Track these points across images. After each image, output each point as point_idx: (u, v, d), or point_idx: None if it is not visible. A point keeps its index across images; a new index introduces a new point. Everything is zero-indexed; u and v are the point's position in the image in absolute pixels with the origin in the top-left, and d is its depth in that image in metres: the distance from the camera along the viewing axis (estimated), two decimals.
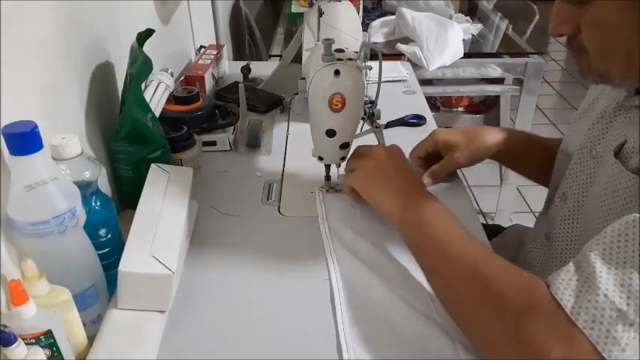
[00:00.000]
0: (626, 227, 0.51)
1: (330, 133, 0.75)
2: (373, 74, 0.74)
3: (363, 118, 0.80)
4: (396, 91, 1.23)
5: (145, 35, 0.80)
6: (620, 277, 0.48)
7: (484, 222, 1.76)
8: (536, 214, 2.10)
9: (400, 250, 0.71)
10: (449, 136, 0.86)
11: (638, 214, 0.51)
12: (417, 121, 1.08)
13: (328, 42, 0.70)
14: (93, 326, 0.60)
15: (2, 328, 0.46)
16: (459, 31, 1.63)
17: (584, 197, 0.71)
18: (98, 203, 0.65)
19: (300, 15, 1.84)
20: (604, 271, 0.49)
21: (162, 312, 0.62)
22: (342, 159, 0.80)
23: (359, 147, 0.80)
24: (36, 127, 0.51)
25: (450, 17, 1.73)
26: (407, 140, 0.95)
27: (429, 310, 0.63)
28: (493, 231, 0.98)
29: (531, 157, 0.88)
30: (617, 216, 0.62)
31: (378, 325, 0.61)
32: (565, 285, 0.50)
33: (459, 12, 1.87)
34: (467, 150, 0.85)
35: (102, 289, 0.62)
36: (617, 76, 0.61)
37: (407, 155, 0.88)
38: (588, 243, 0.53)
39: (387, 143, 0.83)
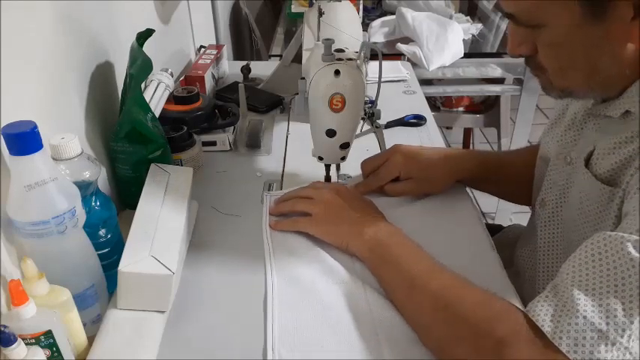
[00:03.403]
0: (598, 246, 0.51)
1: (330, 133, 0.75)
2: (373, 74, 0.74)
3: (363, 118, 0.80)
4: (396, 91, 1.23)
5: (144, 35, 0.80)
6: (597, 298, 0.49)
7: (484, 222, 1.76)
8: None
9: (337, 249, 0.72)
10: (404, 167, 0.82)
11: (607, 232, 0.51)
12: (417, 121, 1.08)
13: (328, 42, 0.70)
14: (93, 326, 0.60)
15: (2, 328, 0.46)
16: (459, 31, 1.63)
17: (562, 203, 0.72)
18: (98, 203, 0.65)
19: (300, 15, 1.84)
20: (581, 293, 0.49)
21: (162, 312, 0.62)
22: (342, 159, 0.80)
23: (302, 188, 0.80)
24: (36, 127, 0.51)
25: (450, 17, 1.73)
26: (407, 140, 0.95)
27: (364, 309, 0.63)
28: (493, 231, 0.98)
29: (498, 180, 0.87)
30: (593, 223, 0.62)
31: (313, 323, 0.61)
32: (545, 311, 0.51)
33: (459, 12, 1.87)
34: (421, 183, 0.82)
35: (102, 289, 0.62)
36: (580, 90, 0.62)
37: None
38: (564, 265, 0.54)
39: (387, 143, 0.83)
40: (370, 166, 0.85)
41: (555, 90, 0.64)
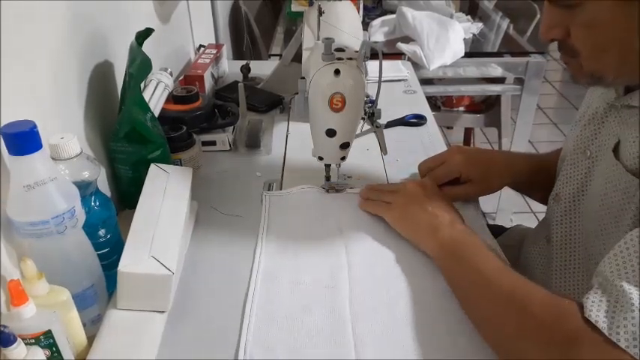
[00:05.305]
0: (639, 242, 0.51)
1: (330, 133, 0.75)
2: (373, 74, 0.74)
3: (363, 118, 0.80)
4: (397, 90, 1.23)
5: (144, 34, 0.79)
6: None
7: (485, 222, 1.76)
8: (537, 214, 2.10)
9: (332, 252, 0.72)
10: (465, 167, 0.82)
11: None
12: (418, 120, 1.07)
13: (328, 41, 0.70)
14: (93, 326, 0.60)
15: (2, 329, 0.46)
16: (460, 31, 1.63)
17: (580, 197, 0.71)
18: (97, 203, 0.65)
19: (300, 14, 1.83)
20: (632, 288, 0.49)
21: (162, 312, 0.62)
22: (342, 159, 0.80)
23: (393, 183, 0.83)
24: (35, 126, 0.50)
25: (451, 16, 1.73)
26: (407, 140, 0.95)
27: (347, 317, 0.62)
28: (494, 232, 0.98)
29: (546, 183, 0.85)
30: (614, 215, 0.62)
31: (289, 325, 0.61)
32: (597, 307, 0.51)
33: (460, 11, 1.87)
34: (480, 185, 0.82)
35: (102, 289, 0.62)
36: (610, 75, 0.61)
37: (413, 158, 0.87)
38: (602, 263, 0.54)
39: (388, 143, 0.83)
40: (427, 166, 0.84)
41: (585, 76, 0.63)
